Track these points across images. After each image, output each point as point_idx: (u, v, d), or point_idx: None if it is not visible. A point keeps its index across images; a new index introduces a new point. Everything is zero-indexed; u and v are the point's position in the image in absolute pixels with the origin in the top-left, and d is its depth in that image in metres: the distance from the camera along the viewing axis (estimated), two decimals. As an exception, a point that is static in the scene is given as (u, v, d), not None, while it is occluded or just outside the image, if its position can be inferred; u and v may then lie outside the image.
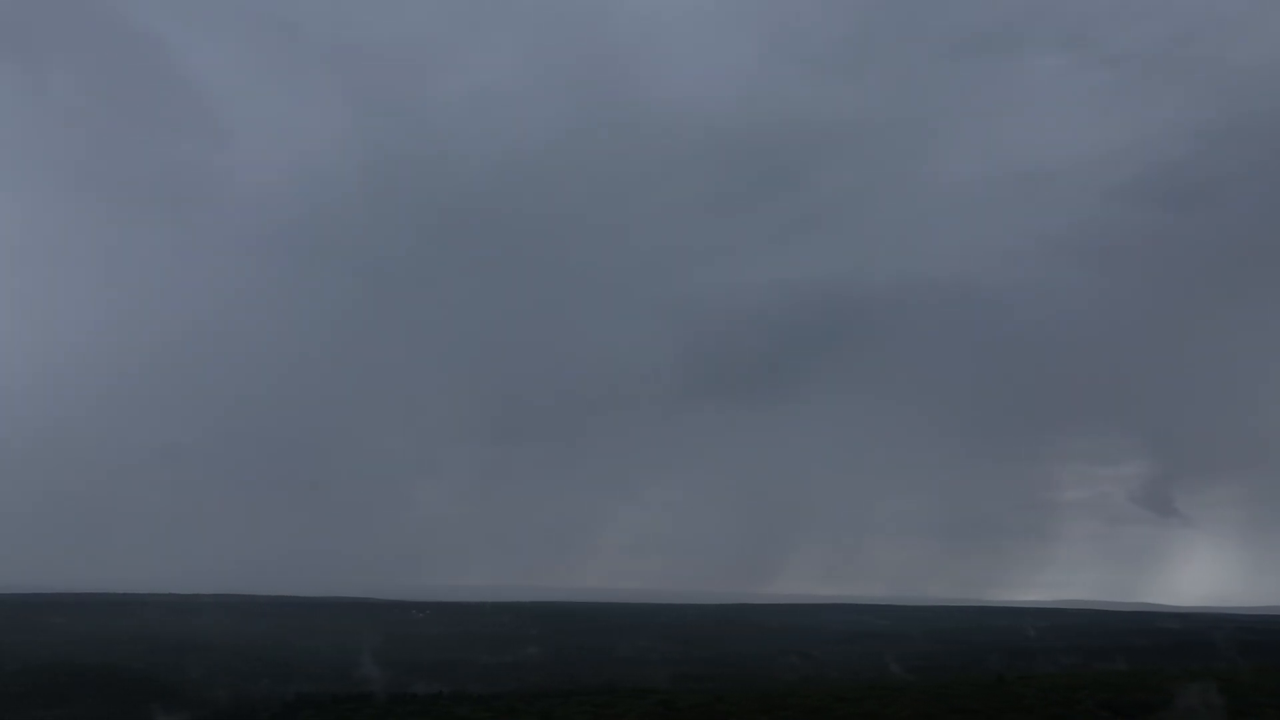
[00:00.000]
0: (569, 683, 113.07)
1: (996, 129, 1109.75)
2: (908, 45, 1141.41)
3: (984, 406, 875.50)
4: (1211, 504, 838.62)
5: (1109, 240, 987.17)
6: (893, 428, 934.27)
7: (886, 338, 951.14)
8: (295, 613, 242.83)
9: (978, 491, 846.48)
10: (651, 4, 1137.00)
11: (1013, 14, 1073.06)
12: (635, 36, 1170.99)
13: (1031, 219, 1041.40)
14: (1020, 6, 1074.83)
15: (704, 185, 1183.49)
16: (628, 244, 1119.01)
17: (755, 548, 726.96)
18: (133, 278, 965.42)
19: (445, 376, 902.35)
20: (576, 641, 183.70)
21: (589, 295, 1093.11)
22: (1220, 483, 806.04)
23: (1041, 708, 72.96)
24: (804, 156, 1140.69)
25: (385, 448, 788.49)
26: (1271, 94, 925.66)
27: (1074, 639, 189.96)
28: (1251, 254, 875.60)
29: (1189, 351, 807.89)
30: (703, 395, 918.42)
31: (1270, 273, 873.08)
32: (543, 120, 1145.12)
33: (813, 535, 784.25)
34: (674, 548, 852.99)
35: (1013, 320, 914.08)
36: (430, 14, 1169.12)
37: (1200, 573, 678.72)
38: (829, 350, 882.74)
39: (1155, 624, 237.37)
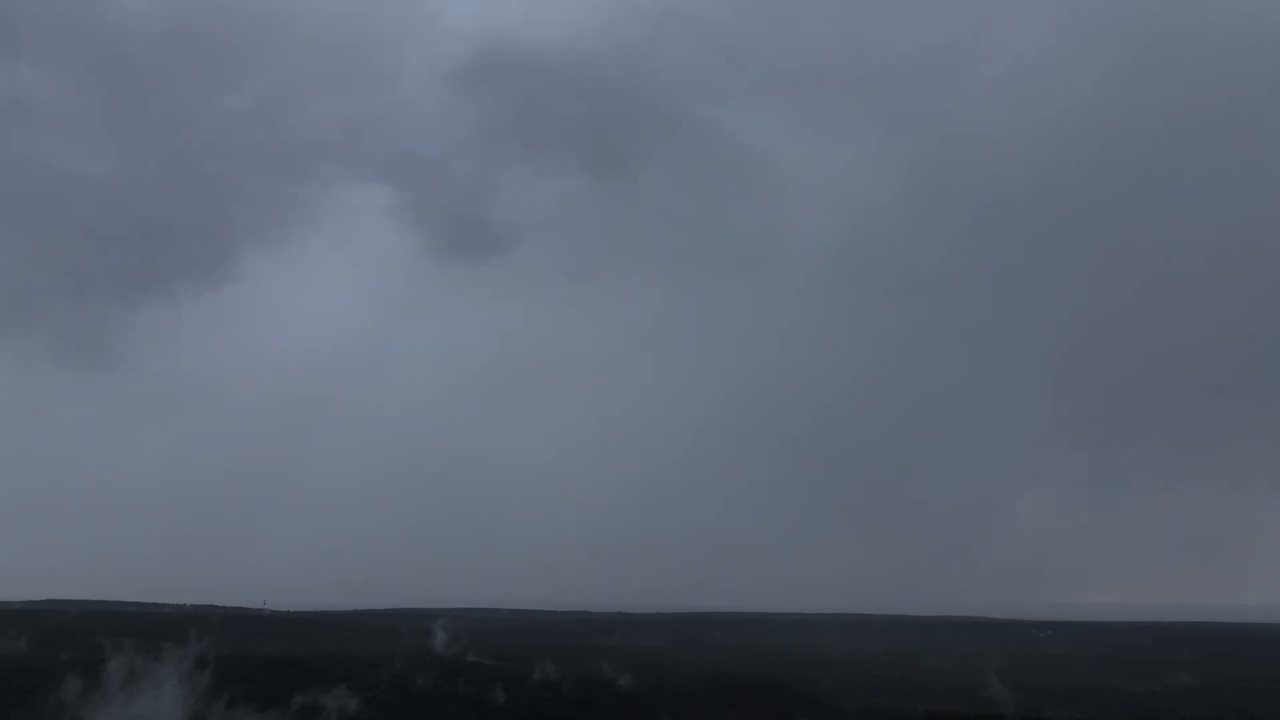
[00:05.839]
0: (1239, 718, 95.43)
1: None
2: None
3: None
4: None
5: None
6: None
7: None
8: (910, 631, 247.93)
9: None
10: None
11: None
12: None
13: None
14: None
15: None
16: (1232, 191, 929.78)
17: None
18: (727, 334, 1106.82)
19: (1024, 381, 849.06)
20: (1244, 669, 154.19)
21: (1183, 267, 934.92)
22: None
23: None
24: None
25: (976, 461, 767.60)
26: None
27: None
28: None
29: None
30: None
31: None
32: (1088, 83, 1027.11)
33: None
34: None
35: None
36: (941, 15, 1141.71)
37: None
38: None
39: None
